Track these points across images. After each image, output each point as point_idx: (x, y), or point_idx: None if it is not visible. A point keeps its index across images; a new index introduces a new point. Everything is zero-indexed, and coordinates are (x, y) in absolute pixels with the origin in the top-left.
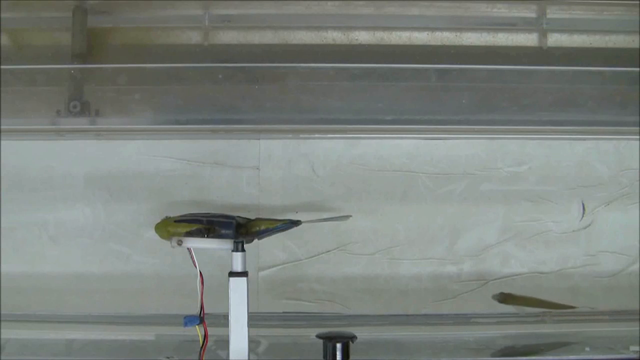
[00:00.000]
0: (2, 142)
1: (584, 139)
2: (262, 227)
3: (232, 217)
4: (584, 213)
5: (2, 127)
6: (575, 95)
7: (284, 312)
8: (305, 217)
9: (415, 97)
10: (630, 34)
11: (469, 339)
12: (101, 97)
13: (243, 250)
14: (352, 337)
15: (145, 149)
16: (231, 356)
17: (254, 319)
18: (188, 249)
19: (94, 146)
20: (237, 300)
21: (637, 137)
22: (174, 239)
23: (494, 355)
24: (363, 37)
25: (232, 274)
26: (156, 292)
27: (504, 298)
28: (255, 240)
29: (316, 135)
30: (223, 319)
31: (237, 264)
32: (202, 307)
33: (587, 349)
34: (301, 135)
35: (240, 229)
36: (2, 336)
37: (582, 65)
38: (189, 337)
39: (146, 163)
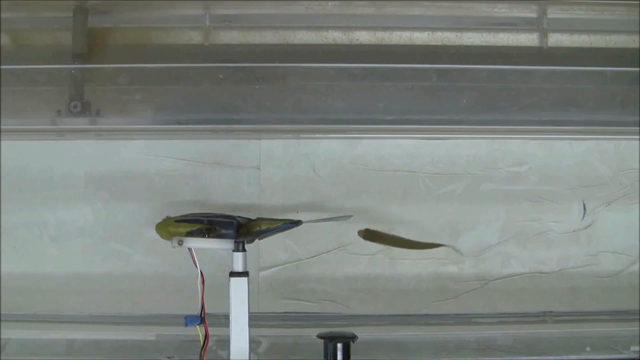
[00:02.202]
0: (2, 142)
1: (585, 139)
2: (263, 227)
3: (233, 217)
4: (584, 213)
5: (2, 127)
6: (575, 95)
7: (284, 312)
8: (306, 217)
9: (415, 97)
10: (630, 34)
11: (469, 339)
12: (102, 97)
13: (244, 250)
14: (353, 337)
15: (146, 149)
16: (232, 356)
17: (255, 319)
18: (189, 249)
19: (94, 146)
20: (238, 300)
21: (638, 137)
22: (175, 239)
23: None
24: (363, 37)
25: (233, 274)
26: (157, 292)
27: (368, 235)
28: (256, 240)
29: (317, 135)
30: (224, 319)
31: (237, 264)
32: (202, 307)
33: (588, 349)
34: (302, 135)
35: (241, 229)
36: (2, 336)
37: (582, 65)
38: (189, 337)
39: (147, 163)
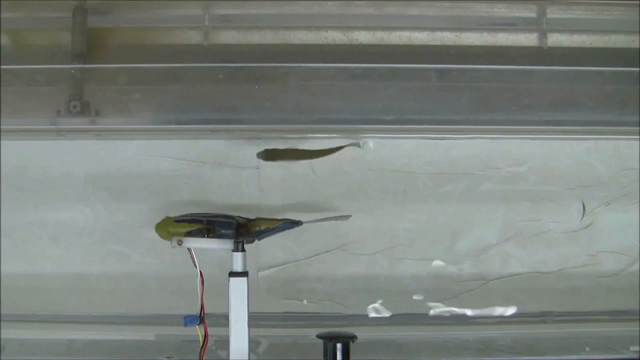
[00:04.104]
0: (2, 142)
1: (584, 139)
2: (262, 227)
3: (232, 217)
4: (584, 213)
5: (2, 127)
6: (575, 95)
7: (284, 312)
8: (305, 217)
9: (415, 97)
10: (630, 34)
11: (469, 339)
12: (101, 97)
13: (243, 250)
14: (353, 337)
15: (146, 149)
16: (231, 356)
17: (254, 319)
18: (188, 249)
19: (94, 146)
20: (238, 300)
21: (637, 137)
22: (174, 239)
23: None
24: (363, 37)
25: (233, 274)
26: (156, 292)
27: (268, 155)
28: (256, 240)
29: (316, 135)
30: (223, 319)
31: (237, 264)
32: (202, 307)
33: (587, 349)
34: (301, 135)
35: (240, 229)
36: (2, 336)
37: (582, 65)
38: (189, 337)
39: (146, 163)
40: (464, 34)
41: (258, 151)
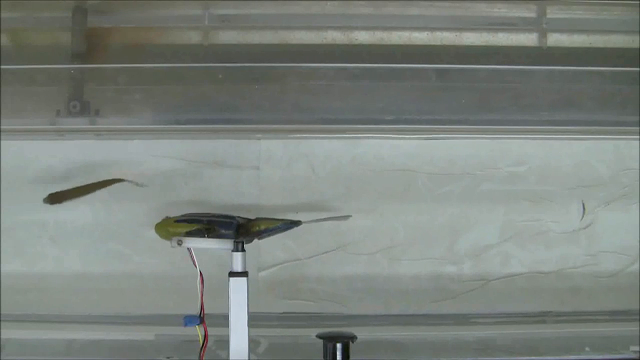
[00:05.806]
0: (2, 142)
1: (584, 139)
2: (262, 227)
3: (232, 217)
4: (584, 213)
5: (2, 127)
6: (575, 95)
7: (284, 312)
8: (305, 217)
9: (415, 97)
10: (630, 34)
11: (469, 339)
12: (101, 97)
13: (243, 250)
14: (352, 337)
15: (145, 149)
16: (231, 356)
17: (254, 319)
18: (188, 249)
19: (93, 146)
20: (237, 300)
21: (637, 137)
22: (174, 239)
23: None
24: (363, 37)
25: (232, 274)
26: (156, 292)
27: (53, 198)
28: (256, 240)
29: (316, 135)
30: (223, 319)
31: (237, 264)
32: (202, 307)
33: (587, 349)
34: (301, 135)
35: (240, 229)
36: (2, 336)
37: (582, 65)
38: (188, 337)
39: (146, 163)
40: (464, 34)
41: (44, 197)
